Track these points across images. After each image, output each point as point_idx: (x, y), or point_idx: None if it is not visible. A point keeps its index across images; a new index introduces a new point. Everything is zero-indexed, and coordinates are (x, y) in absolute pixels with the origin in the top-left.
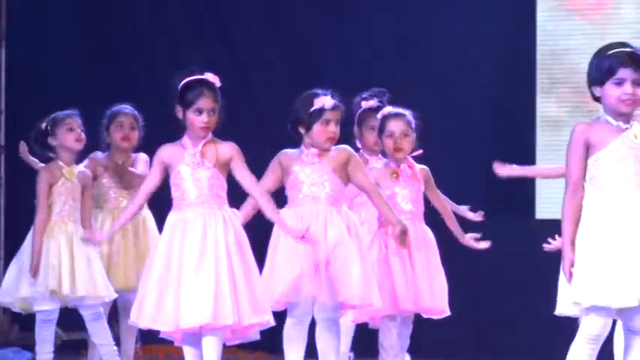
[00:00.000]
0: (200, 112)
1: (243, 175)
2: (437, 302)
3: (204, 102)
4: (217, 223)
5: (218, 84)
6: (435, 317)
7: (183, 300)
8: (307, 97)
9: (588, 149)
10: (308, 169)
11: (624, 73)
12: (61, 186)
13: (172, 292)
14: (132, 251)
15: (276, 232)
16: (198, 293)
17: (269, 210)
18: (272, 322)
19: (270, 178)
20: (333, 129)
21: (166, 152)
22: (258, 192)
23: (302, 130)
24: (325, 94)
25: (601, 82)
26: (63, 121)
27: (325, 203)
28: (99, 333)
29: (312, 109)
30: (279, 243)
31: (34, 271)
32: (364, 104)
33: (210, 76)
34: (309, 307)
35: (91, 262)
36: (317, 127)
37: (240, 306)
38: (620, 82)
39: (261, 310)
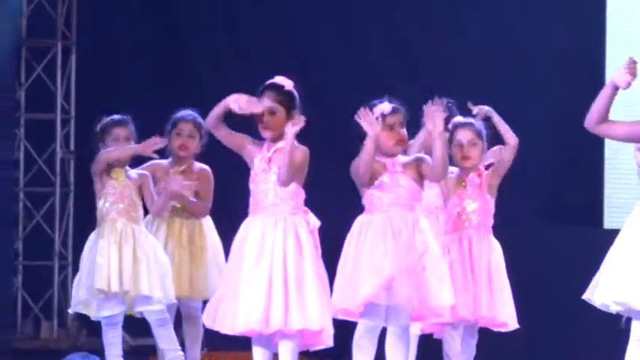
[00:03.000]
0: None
1: None
2: (497, 313)
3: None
4: (278, 229)
5: (288, 87)
6: (500, 330)
7: (238, 305)
8: (365, 108)
9: None
10: (396, 177)
11: None
12: (110, 187)
13: (232, 297)
14: (185, 258)
15: (354, 234)
16: (250, 299)
17: None
18: (324, 327)
19: None
20: (399, 131)
21: (251, 146)
22: None
23: None
24: (382, 102)
25: None
26: (110, 132)
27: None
28: (165, 338)
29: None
30: (362, 244)
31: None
32: (456, 120)
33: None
34: (384, 314)
35: (148, 263)
36: (383, 134)
37: (289, 313)
38: None
39: (311, 318)
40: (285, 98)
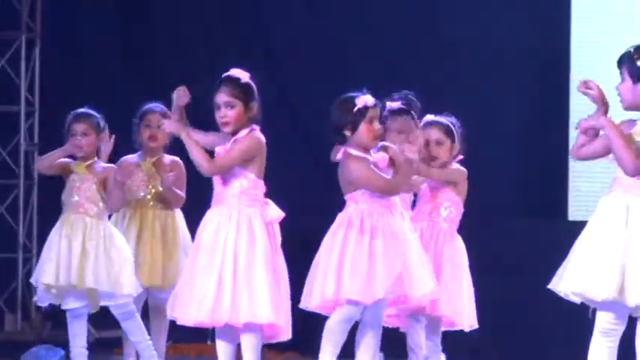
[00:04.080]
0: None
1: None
2: (453, 310)
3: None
4: (232, 221)
5: (244, 80)
6: (459, 329)
7: (191, 297)
8: (347, 99)
9: None
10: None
11: None
12: (70, 180)
13: (186, 288)
14: (158, 249)
15: (354, 227)
16: (201, 291)
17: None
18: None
19: None
20: (377, 126)
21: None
22: None
23: (347, 133)
24: (364, 94)
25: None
26: (69, 127)
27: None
28: (134, 330)
29: (356, 109)
30: (368, 237)
31: None
32: (389, 105)
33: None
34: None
35: (96, 256)
36: (363, 127)
37: (237, 306)
38: None
39: (259, 311)
40: (241, 91)
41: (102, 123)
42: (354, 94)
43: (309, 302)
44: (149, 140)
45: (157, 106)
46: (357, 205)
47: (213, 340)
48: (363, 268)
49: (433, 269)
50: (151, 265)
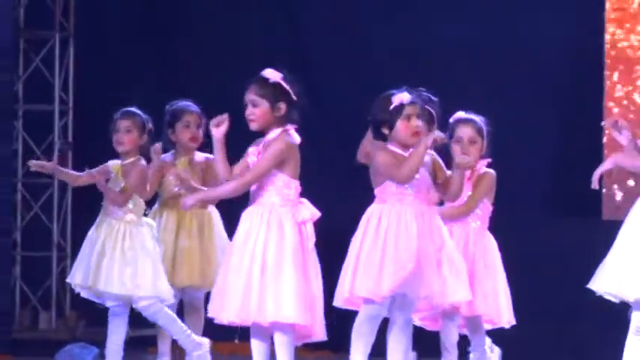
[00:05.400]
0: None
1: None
2: (491, 308)
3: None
4: (263, 221)
5: (273, 79)
6: (497, 326)
7: (224, 296)
8: (385, 97)
9: None
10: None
11: None
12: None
13: (221, 288)
14: (195, 248)
15: (372, 223)
16: (232, 291)
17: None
18: (296, 321)
19: None
20: (416, 123)
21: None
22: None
23: (385, 131)
24: (401, 91)
25: None
26: (116, 123)
27: (426, 204)
28: (168, 328)
29: (392, 106)
30: (384, 234)
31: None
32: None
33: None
34: (388, 303)
35: (111, 258)
36: (400, 124)
37: (264, 305)
38: None
39: (285, 311)
40: (268, 91)
41: (148, 124)
42: (392, 92)
43: (335, 301)
44: (190, 141)
45: (191, 105)
46: (378, 204)
47: (241, 339)
48: (375, 266)
49: (467, 269)
50: (188, 264)
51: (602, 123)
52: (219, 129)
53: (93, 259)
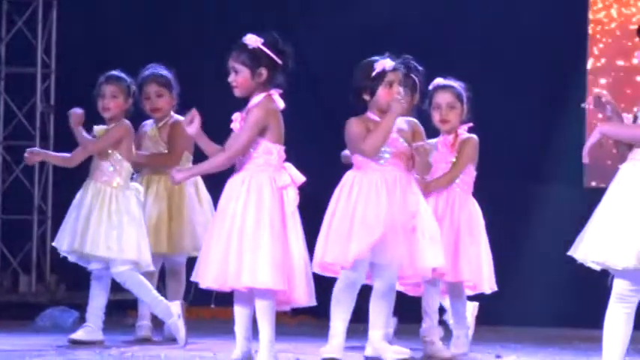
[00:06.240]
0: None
1: None
2: (475, 274)
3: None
4: (243, 187)
5: (252, 45)
6: (480, 292)
7: (205, 261)
8: (367, 63)
9: None
10: (393, 137)
11: None
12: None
13: (204, 253)
14: (176, 215)
15: (344, 189)
16: (212, 256)
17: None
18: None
19: None
20: (397, 89)
21: None
22: None
23: (367, 97)
24: (384, 58)
25: None
26: (100, 88)
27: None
28: (137, 293)
29: (374, 73)
30: (354, 200)
31: None
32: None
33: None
34: (366, 269)
35: (114, 222)
36: (381, 90)
37: (241, 270)
38: None
39: (261, 276)
40: (247, 57)
41: (132, 87)
42: (374, 59)
43: (313, 267)
44: (152, 112)
45: (151, 73)
46: (352, 171)
47: (217, 304)
48: (344, 233)
49: (451, 235)
50: (168, 232)
51: (582, 105)
52: (192, 126)
53: (79, 223)
